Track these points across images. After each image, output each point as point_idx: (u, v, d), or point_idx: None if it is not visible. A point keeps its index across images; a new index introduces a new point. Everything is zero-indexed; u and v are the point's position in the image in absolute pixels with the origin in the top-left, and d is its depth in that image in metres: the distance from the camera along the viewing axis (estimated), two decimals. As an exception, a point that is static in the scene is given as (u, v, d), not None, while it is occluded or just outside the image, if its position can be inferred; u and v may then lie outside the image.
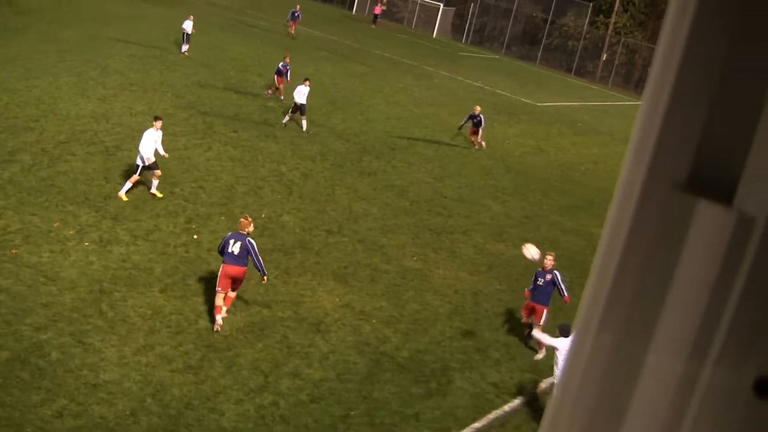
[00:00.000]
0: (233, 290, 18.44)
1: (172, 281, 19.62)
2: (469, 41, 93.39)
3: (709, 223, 1.29)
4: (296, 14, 60.79)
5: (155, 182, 24.92)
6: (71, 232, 21.19)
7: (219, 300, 18.04)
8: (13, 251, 19.48)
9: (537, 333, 18.84)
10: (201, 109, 35.70)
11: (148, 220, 22.97)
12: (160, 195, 24.77)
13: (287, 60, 40.40)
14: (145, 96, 36.05)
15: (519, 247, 26.95)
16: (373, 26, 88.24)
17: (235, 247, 18.24)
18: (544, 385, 18.72)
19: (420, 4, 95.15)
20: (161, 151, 25.37)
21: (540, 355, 20.00)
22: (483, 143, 39.02)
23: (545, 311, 20.67)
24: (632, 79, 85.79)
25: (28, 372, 15.29)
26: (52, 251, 19.90)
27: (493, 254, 26.02)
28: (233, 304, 18.69)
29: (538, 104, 52.35)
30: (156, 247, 21.33)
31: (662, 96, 1.30)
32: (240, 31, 62.47)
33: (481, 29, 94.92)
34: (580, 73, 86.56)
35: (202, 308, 18.55)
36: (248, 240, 18.52)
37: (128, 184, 24.18)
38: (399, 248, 24.71)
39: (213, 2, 76.34)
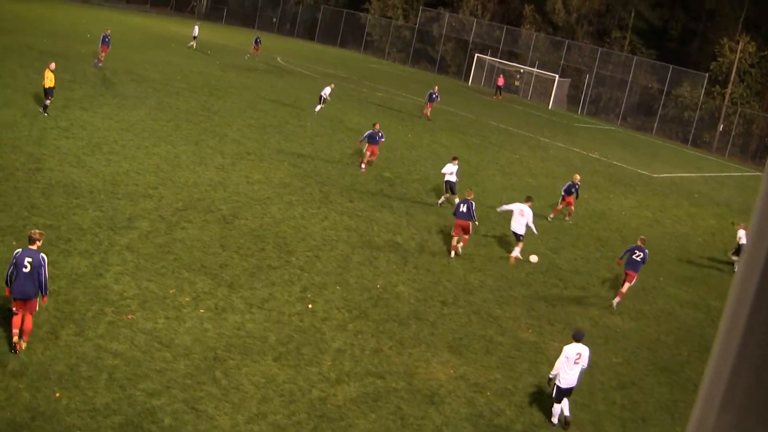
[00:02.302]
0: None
1: (285, 350, 19.58)
2: (584, 112, 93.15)
3: None
4: (434, 96, 59.35)
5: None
6: (187, 298, 21.34)
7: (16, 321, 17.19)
8: (130, 316, 19.66)
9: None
10: (317, 179, 35.98)
11: (264, 288, 23.05)
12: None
13: (470, 195, 35.79)
14: (262, 165, 36.48)
15: (635, 320, 26.58)
16: (495, 97, 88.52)
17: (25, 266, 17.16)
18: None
19: (536, 75, 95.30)
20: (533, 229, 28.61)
21: None
22: (572, 209, 38.83)
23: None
24: (749, 150, 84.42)
25: (141, 439, 15.34)
26: (167, 317, 20.03)
27: (609, 327, 25.56)
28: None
29: (654, 175, 51.83)
30: (270, 316, 21.34)
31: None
32: (357, 101, 63.13)
33: (597, 100, 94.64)
34: (696, 143, 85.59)
35: (316, 378, 18.45)
36: (41, 256, 17.44)
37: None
38: (514, 320, 24.41)
39: (329, 74, 77.39)
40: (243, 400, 16.89)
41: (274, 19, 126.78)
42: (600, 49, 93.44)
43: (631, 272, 27.84)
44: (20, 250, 17.49)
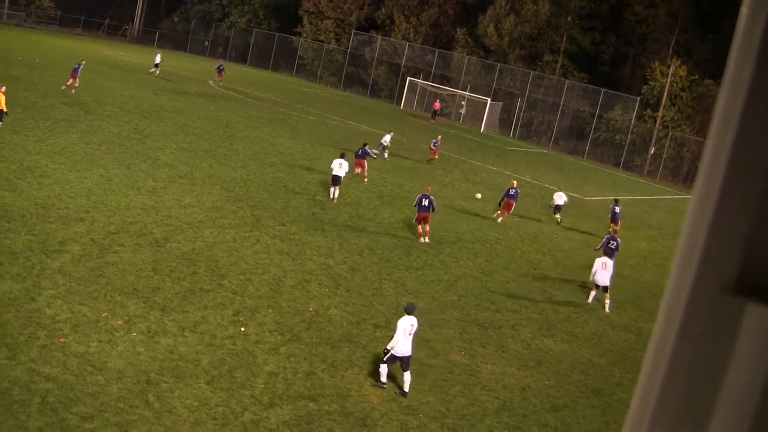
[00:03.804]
0: None
1: (218, 373, 19.59)
2: (516, 135, 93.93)
3: (757, 325, 1.30)
4: (436, 143, 58.07)
5: None
6: (119, 322, 21.27)
7: None
8: (62, 340, 19.57)
9: None
10: (249, 202, 36.00)
11: (196, 311, 23.03)
12: None
13: (429, 191, 37.35)
14: (195, 188, 36.43)
15: (567, 342, 26.85)
16: (430, 121, 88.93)
17: None
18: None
19: (467, 98, 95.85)
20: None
21: None
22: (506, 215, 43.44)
23: None
24: (680, 173, 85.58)
25: (73, 463, 15.30)
26: (99, 341, 19.96)
27: (542, 349, 25.79)
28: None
29: (586, 198, 52.39)
30: (203, 339, 21.34)
31: (709, 199, 1.32)
32: (288, 125, 63.18)
33: (529, 123, 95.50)
34: (628, 167, 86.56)
35: (249, 401, 18.48)
36: None
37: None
38: (446, 342, 24.57)
39: (262, 97, 77.36)
40: (176, 423, 16.89)
41: (207, 43, 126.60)
42: (532, 72, 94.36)
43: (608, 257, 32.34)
44: None
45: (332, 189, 40.53)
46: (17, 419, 15.77)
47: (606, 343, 27.69)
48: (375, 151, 52.48)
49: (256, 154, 47.61)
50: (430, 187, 37.04)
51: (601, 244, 35.84)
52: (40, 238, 26.22)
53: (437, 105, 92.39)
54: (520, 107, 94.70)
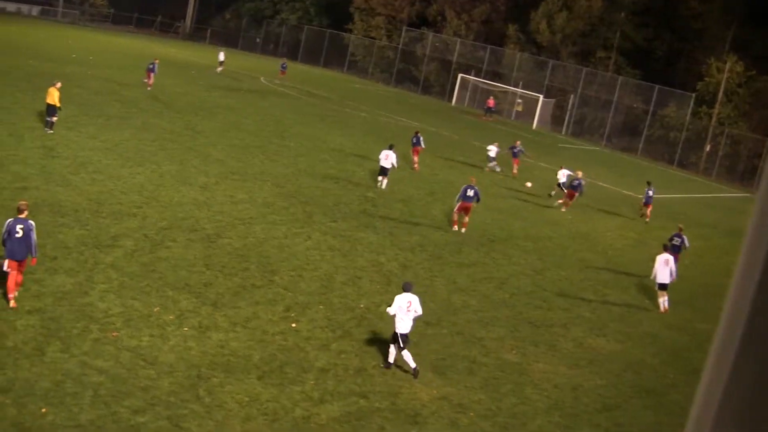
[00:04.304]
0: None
1: (269, 369, 19.58)
2: (569, 133, 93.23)
3: None
4: (517, 150, 55.31)
5: None
6: (171, 317, 21.34)
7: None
8: (114, 334, 19.67)
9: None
10: (301, 199, 36.02)
11: (247, 307, 23.05)
12: None
13: (473, 182, 37.30)
14: (246, 184, 36.51)
15: (620, 342, 26.58)
16: (485, 118, 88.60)
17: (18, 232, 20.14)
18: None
19: (517, 95, 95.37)
20: None
21: None
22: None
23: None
24: (736, 171, 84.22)
25: (125, 457, 15.36)
26: (151, 335, 20.04)
27: (594, 348, 25.54)
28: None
29: (639, 196, 51.80)
30: (254, 335, 21.35)
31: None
32: (339, 121, 63.24)
33: (581, 120, 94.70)
34: (683, 164, 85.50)
35: (299, 397, 18.45)
36: (30, 222, 20.58)
37: None
38: (498, 341, 24.41)
39: (313, 94, 77.61)
40: (226, 418, 16.89)
41: (258, 40, 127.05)
42: (585, 69, 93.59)
43: (673, 254, 32.97)
44: (11, 219, 20.37)
45: (380, 178, 42.10)
46: (70, 411, 15.86)
47: (659, 343, 27.36)
48: (492, 165, 53.80)
49: (308, 151, 47.68)
50: (474, 178, 37.05)
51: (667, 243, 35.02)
52: (93, 233, 26.40)
53: (491, 102, 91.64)
54: (573, 104, 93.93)
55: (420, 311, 21.29)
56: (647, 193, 47.94)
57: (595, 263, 35.85)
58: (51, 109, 38.68)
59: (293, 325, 22.41)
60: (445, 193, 42.73)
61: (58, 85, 39.41)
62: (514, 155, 54.20)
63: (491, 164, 53.59)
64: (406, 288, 21.49)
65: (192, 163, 38.68)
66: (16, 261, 20.10)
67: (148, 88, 59.69)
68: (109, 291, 22.16)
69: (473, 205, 36.05)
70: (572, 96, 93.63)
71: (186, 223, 29.50)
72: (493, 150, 54.02)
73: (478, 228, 37.11)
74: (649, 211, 47.83)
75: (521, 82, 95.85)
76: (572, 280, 32.62)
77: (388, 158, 41.67)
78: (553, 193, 48.87)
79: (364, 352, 21.64)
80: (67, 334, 19.20)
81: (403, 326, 20.89)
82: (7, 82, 50.56)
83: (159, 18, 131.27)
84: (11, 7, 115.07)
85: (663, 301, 30.82)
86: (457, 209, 36.17)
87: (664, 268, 30.61)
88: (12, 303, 19.98)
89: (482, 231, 36.87)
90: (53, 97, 38.57)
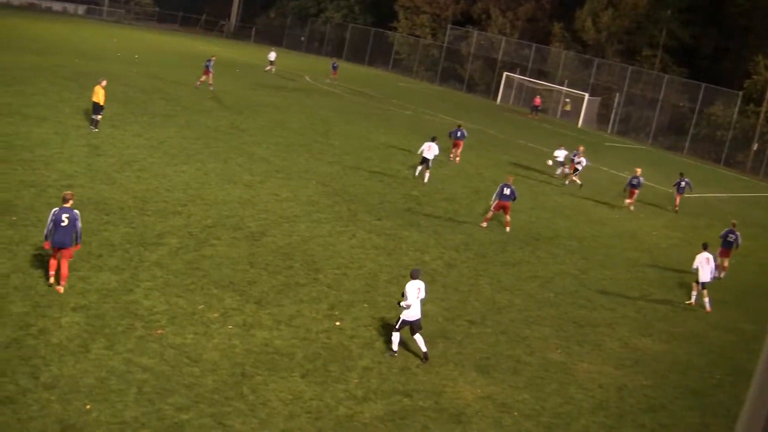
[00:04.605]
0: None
1: (313, 367, 19.58)
2: (614, 131, 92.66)
3: None
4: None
5: None
6: (215, 314, 21.40)
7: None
8: (159, 332, 19.75)
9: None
10: (345, 197, 36.04)
11: (291, 305, 23.07)
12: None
13: (510, 180, 38.36)
14: (291, 183, 36.58)
15: (666, 342, 26.35)
16: (530, 117, 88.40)
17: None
18: None
19: (564, 94, 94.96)
20: None
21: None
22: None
23: None
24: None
25: (169, 454, 15.41)
26: (196, 333, 20.10)
27: (639, 348, 25.32)
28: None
29: (685, 195, 51.40)
30: (298, 333, 21.36)
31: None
32: (384, 120, 63.24)
33: (627, 119, 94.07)
34: (730, 163, 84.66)
35: (343, 395, 18.43)
36: (75, 211, 21.33)
37: None
38: (542, 340, 24.28)
39: (358, 92, 77.70)
40: (270, 416, 16.90)
41: (302, 38, 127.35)
42: (630, 67, 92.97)
43: (725, 250, 35.20)
44: (56, 209, 20.99)
45: (419, 167, 43.18)
46: (114, 408, 15.94)
47: (705, 344, 27.08)
48: (563, 170, 53.23)
49: (352, 149, 47.72)
50: (511, 177, 36.90)
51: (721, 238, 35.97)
52: (138, 230, 26.54)
53: (538, 101, 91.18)
54: (618, 102, 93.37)
55: (424, 295, 21.68)
56: (679, 183, 49.26)
57: (640, 262, 35.58)
58: (96, 108, 38.95)
59: (337, 323, 22.41)
60: (490, 192, 42.47)
61: (104, 83, 39.68)
62: (576, 163, 52.02)
63: (561, 169, 53.04)
64: (414, 275, 21.61)
65: (236, 161, 38.82)
66: (62, 249, 20.89)
67: (210, 88, 60.48)
68: (154, 289, 22.27)
69: (510, 203, 35.71)
70: (618, 94, 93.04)
71: (230, 221, 29.59)
72: (561, 154, 53.33)
73: (522, 227, 36.98)
74: (678, 200, 49.83)
75: (566, 81, 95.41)
76: (617, 279, 32.39)
77: (430, 149, 42.45)
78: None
79: (407, 350, 21.59)
80: (112, 331, 19.31)
81: (412, 313, 21.18)
82: (53, 80, 50.99)
83: (204, 16, 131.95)
84: (57, 6, 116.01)
85: (705, 301, 30.53)
86: (494, 207, 36.03)
87: (705, 266, 30.25)
88: (59, 288, 20.90)
89: (527, 230, 36.74)
90: (98, 95, 38.84)
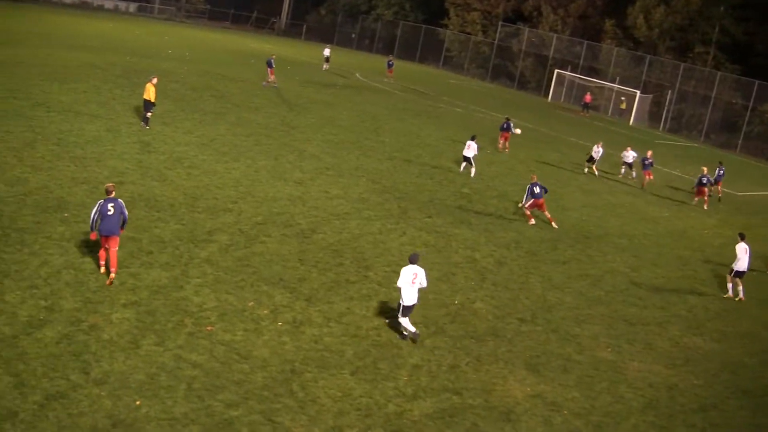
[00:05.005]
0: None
1: (363, 364, 19.57)
2: (666, 129, 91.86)
3: None
4: (648, 161, 53.31)
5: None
6: (265, 311, 21.44)
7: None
8: (209, 328, 19.83)
9: None
10: (396, 194, 36.00)
11: (341, 302, 23.08)
12: None
13: (534, 179, 36.53)
14: (341, 180, 36.60)
15: (717, 341, 26.07)
16: (582, 114, 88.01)
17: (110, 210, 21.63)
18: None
19: (616, 91, 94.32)
20: None
21: None
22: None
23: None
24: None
25: (218, 450, 15.48)
26: (245, 330, 20.16)
27: (690, 348, 25.07)
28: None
29: (739, 194, 50.95)
30: (348, 330, 21.36)
31: None
32: (434, 117, 63.12)
33: (679, 116, 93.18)
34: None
35: (392, 392, 18.41)
36: (120, 201, 22.09)
37: None
38: (593, 339, 24.12)
39: (408, 89, 77.61)
40: (319, 412, 16.92)
41: (353, 35, 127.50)
42: (682, 64, 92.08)
43: None
44: (102, 200, 21.63)
45: (464, 164, 44.32)
46: (164, 404, 16.01)
47: (758, 343, 26.75)
48: (627, 172, 53.52)
49: (403, 146, 47.67)
50: (535, 175, 36.74)
51: None
52: (188, 227, 26.66)
53: (588, 98, 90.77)
54: (670, 100, 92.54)
55: (425, 284, 21.60)
56: (718, 172, 50.03)
57: (691, 261, 35.23)
58: (147, 105, 39.21)
59: (387, 321, 22.38)
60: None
61: (155, 80, 39.91)
62: (645, 167, 50.73)
63: (625, 171, 52.80)
64: (412, 260, 21.59)
65: (287, 158, 38.90)
66: (110, 237, 21.56)
67: (274, 86, 61.61)
68: (204, 285, 22.36)
69: (543, 200, 35.82)
70: (670, 92, 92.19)
71: (281, 218, 29.65)
72: (629, 156, 52.83)
73: (573, 225, 36.78)
74: (720, 188, 50.95)
75: (618, 78, 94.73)
76: (668, 277, 32.10)
77: (469, 148, 43.59)
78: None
79: (457, 348, 21.53)
80: (162, 327, 19.41)
81: (408, 298, 21.19)
82: (106, 78, 51.36)
83: (255, 14, 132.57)
84: (109, 4, 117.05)
85: (740, 290, 30.44)
86: (529, 206, 36.01)
87: (744, 256, 30.24)
88: (111, 275, 21.58)
89: (578, 228, 36.51)
90: (149, 92, 39.07)
